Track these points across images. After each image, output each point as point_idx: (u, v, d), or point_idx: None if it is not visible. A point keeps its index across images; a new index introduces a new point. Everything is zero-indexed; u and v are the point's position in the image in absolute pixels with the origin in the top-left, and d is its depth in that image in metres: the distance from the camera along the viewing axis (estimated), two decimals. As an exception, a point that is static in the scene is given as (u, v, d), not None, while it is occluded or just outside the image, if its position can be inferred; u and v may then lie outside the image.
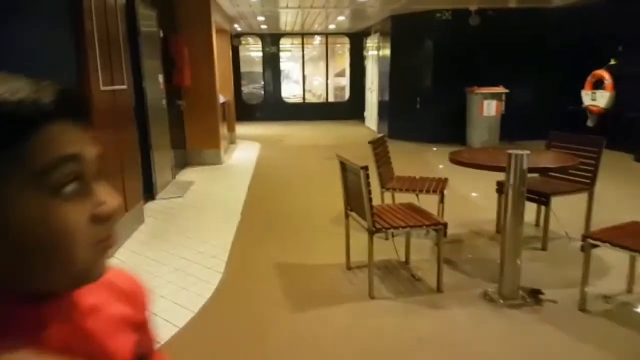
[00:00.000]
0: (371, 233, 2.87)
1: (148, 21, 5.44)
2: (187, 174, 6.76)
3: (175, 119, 6.59)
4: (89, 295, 0.57)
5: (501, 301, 2.87)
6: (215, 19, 7.72)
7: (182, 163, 7.08)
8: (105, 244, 0.52)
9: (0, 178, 0.46)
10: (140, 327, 0.65)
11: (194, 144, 7.41)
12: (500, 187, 3.80)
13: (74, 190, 0.49)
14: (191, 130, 7.37)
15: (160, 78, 5.88)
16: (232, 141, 9.49)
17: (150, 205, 5.04)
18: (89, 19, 3.43)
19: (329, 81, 15.16)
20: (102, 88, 3.62)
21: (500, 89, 8.55)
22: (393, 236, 3.65)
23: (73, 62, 3.35)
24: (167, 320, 2.71)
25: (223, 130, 8.03)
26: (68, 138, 0.49)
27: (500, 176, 3.34)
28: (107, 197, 0.52)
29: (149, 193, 5.24)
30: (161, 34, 6.04)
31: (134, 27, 4.92)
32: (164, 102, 5.94)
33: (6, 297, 0.49)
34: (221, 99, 7.94)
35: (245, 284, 3.25)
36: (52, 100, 0.49)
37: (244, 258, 3.71)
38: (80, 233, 0.49)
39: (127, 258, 3.67)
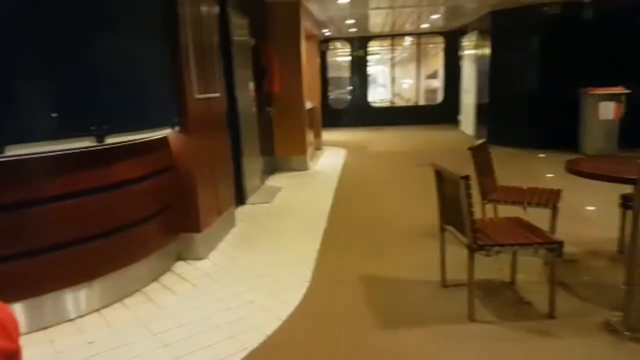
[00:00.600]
0: (472, 250, 2.72)
1: (240, 30, 5.71)
2: (275, 180, 6.97)
3: (264, 125, 6.83)
4: None
5: (627, 333, 2.56)
6: (305, 25, 7.90)
7: (271, 169, 7.31)
8: None
9: None
10: (13, 356, 0.66)
11: (281, 150, 7.64)
12: (626, 202, 3.43)
13: None
14: (279, 136, 7.60)
15: (251, 85, 6.13)
16: (318, 147, 9.64)
17: (240, 210, 5.26)
18: (184, 29, 3.66)
19: (419, 83, 14.86)
20: (197, 96, 3.84)
21: (620, 90, 7.78)
22: (497, 253, 3.44)
23: (170, 71, 3.59)
24: (256, 327, 2.79)
25: (309, 136, 8.18)
26: None
27: (623, 188, 3.02)
28: None
29: (239, 198, 5.47)
30: (252, 42, 6.30)
31: (227, 37, 5.18)
32: (254, 109, 6.19)
33: None
34: (308, 105, 8.11)
35: (331, 296, 3.25)
36: None
37: (330, 267, 3.71)
38: None
39: (219, 261, 3.85)
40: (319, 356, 2.55)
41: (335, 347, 2.62)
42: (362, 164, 8.42)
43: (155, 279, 3.47)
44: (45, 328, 2.78)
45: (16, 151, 2.56)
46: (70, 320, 2.88)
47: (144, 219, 3.35)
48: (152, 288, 3.36)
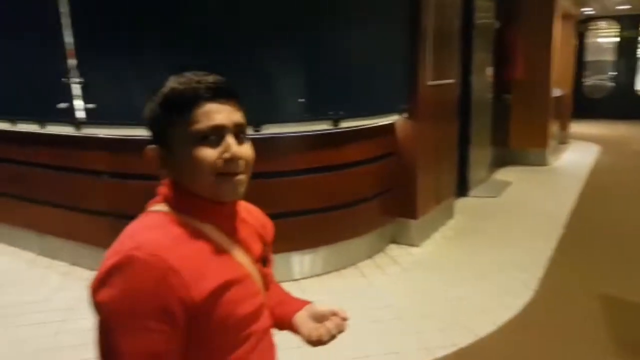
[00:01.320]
0: None
1: (484, 13, 5.48)
2: (505, 174, 6.54)
3: (499, 114, 6.45)
4: (242, 212, 1.00)
5: None
6: (561, 3, 7.08)
7: (501, 161, 6.88)
8: (228, 176, 0.88)
9: (175, 132, 0.87)
10: (265, 244, 1.05)
11: (516, 142, 7.09)
12: None
13: (213, 140, 0.87)
14: (515, 126, 7.06)
15: (489, 71, 5.84)
16: (563, 141, 8.59)
17: (460, 202, 5.13)
18: (427, 15, 3.70)
19: None
20: (429, 83, 3.86)
21: None
22: None
23: (406, 57, 3.69)
24: (468, 326, 2.73)
25: (553, 128, 7.36)
26: (214, 113, 0.87)
27: None
28: (232, 147, 0.87)
29: (462, 189, 5.34)
30: (496, 25, 5.98)
31: (469, 20, 5.02)
32: (489, 96, 5.91)
33: (197, 197, 0.90)
34: (555, 92, 7.28)
35: (559, 309, 2.94)
36: (203, 88, 0.86)
37: (563, 278, 3.35)
38: (210, 164, 0.86)
39: (432, 250, 3.88)
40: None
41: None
42: (620, 165, 7.18)
43: (369, 256, 3.71)
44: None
45: (270, 130, 3.06)
46: (295, 280, 3.33)
47: (365, 199, 3.61)
48: (366, 265, 3.60)
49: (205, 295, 0.83)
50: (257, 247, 1.01)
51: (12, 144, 3.84)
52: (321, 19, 3.20)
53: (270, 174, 3.19)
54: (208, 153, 0.86)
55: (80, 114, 3.28)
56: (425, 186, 3.99)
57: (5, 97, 3.74)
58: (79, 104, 3.27)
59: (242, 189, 0.91)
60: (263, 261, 1.02)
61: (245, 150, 0.90)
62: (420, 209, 3.94)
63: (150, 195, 0.95)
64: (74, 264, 3.68)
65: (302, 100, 3.15)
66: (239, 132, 0.90)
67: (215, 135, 0.87)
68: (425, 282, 3.33)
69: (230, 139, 0.87)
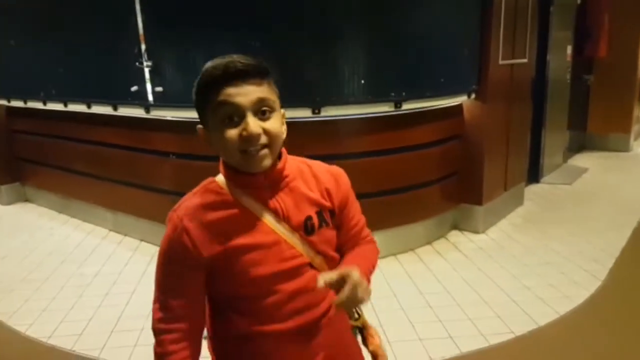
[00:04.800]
0: None
1: (566, -13, 5.24)
2: (582, 159, 6.26)
3: (577, 95, 6.16)
4: (295, 181, 1.11)
5: None
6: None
7: (578, 146, 6.60)
8: (248, 152, 1.00)
9: (208, 114, 1.02)
10: (323, 207, 1.13)
11: (596, 126, 6.74)
12: None
13: (232, 121, 0.99)
14: (595, 109, 6.70)
15: (569, 49, 5.60)
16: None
17: (531, 188, 5.01)
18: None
19: None
20: (500, 62, 3.77)
21: None
22: None
23: (475, 37, 3.63)
24: (528, 314, 2.74)
25: (637, 111, 6.92)
26: (230, 93, 0.98)
27: None
28: (250, 126, 0.98)
29: (533, 175, 5.21)
30: (578, 0, 5.70)
31: (549, -4, 4.85)
32: (567, 76, 5.66)
33: (234, 170, 1.06)
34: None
35: (628, 303, 2.84)
36: (221, 74, 0.98)
37: (634, 272, 3.22)
38: (232, 143, 1.00)
39: (497, 238, 3.84)
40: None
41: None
42: None
43: (428, 242, 3.73)
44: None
45: (330, 112, 3.14)
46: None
47: (427, 183, 3.62)
48: (425, 250, 3.63)
49: (214, 253, 1.04)
50: (300, 215, 1.09)
51: (88, 125, 4.18)
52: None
53: (329, 157, 3.23)
54: (231, 133, 1.00)
55: (150, 97, 3.50)
56: (492, 171, 3.93)
57: (80, 81, 4.04)
58: (149, 87, 3.48)
59: (266, 162, 1.03)
60: (307, 228, 1.10)
61: (269, 125, 1.01)
62: (486, 194, 3.89)
63: (213, 175, 1.13)
64: (142, 239, 4.00)
65: (362, 81, 3.18)
66: (261, 108, 1.01)
67: (237, 116, 0.99)
68: (486, 269, 3.32)
69: (249, 118, 0.99)
